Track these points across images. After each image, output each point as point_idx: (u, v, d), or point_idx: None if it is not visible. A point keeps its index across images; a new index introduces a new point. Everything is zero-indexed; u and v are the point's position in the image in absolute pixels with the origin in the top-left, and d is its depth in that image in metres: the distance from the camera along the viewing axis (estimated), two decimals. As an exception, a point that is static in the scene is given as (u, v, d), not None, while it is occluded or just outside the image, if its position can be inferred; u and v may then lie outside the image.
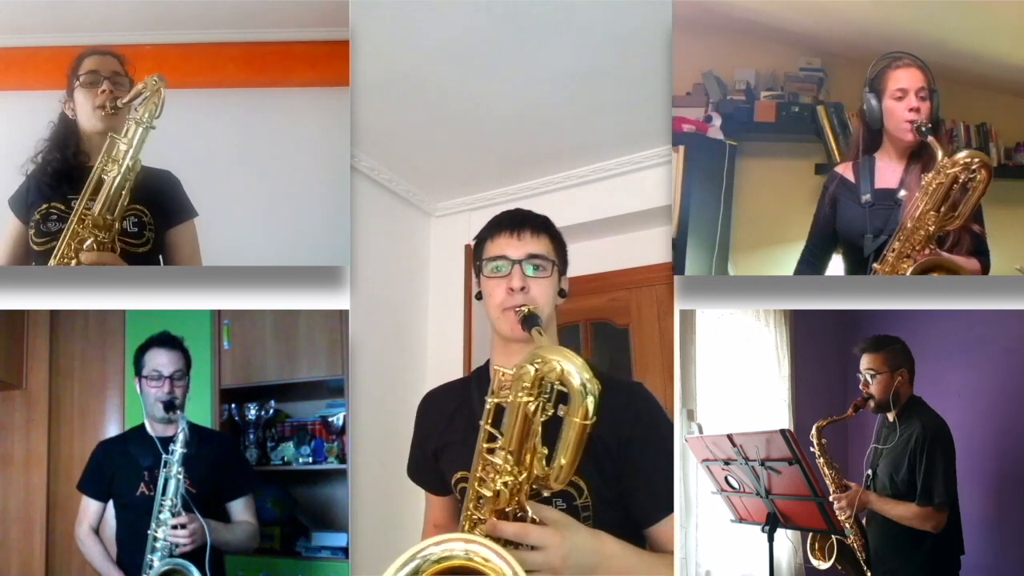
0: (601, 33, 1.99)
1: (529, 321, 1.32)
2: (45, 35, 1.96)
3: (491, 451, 1.23)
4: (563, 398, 1.17)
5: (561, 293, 1.45)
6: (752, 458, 1.78)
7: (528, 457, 1.19)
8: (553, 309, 1.43)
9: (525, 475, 1.19)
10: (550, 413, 1.17)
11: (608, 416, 1.17)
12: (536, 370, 1.16)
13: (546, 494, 1.25)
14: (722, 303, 2.00)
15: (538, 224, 1.44)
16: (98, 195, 1.76)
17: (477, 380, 1.52)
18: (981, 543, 1.86)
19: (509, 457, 1.19)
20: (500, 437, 1.22)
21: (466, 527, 1.25)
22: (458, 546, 1.07)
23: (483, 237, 1.47)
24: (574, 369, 1.13)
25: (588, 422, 1.11)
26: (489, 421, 1.25)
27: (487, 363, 1.54)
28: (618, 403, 1.28)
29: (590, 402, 1.11)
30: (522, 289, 1.37)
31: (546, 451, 1.18)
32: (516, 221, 1.44)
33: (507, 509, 1.20)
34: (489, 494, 1.21)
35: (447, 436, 1.50)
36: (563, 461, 1.14)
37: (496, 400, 1.25)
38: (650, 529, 1.36)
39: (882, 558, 1.88)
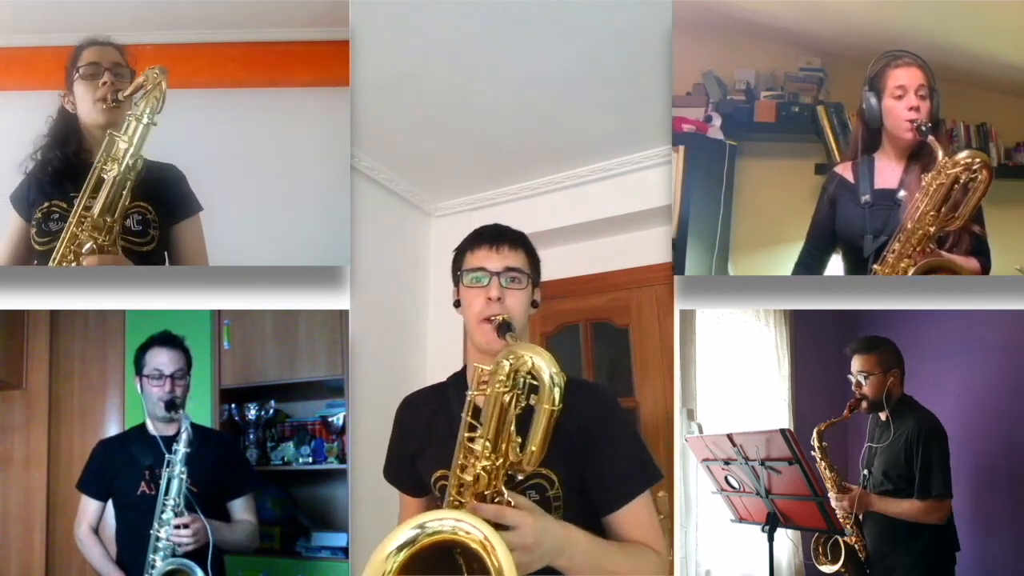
0: (601, 33, 1.99)
1: (503, 328, 1.42)
2: (45, 35, 1.96)
3: (471, 439, 1.35)
4: (534, 393, 1.31)
5: (534, 304, 1.55)
6: (752, 458, 1.79)
7: (504, 445, 1.32)
8: (527, 319, 1.53)
9: (501, 460, 1.32)
10: (523, 404, 1.31)
11: (572, 412, 1.31)
12: (510, 364, 1.31)
13: (520, 477, 1.37)
14: (722, 303, 2.00)
15: (515, 239, 1.54)
16: (97, 196, 1.71)
17: (455, 385, 1.59)
18: (979, 540, 1.87)
19: (487, 444, 1.33)
20: (479, 427, 1.35)
21: None
22: (448, 523, 1.21)
23: (463, 249, 1.56)
24: (543, 363, 1.28)
25: (555, 408, 1.26)
26: (469, 413, 1.38)
27: (463, 369, 1.61)
28: (580, 401, 1.39)
29: (556, 391, 1.26)
30: (499, 299, 1.46)
31: (519, 440, 1.31)
32: (495, 235, 1.53)
33: (486, 493, 1.32)
34: (470, 479, 1.33)
35: (426, 438, 1.57)
36: (533, 448, 1.28)
37: (476, 393, 1.37)
38: (608, 517, 1.44)
39: (881, 555, 1.88)
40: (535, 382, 1.29)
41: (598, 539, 1.39)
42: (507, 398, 1.31)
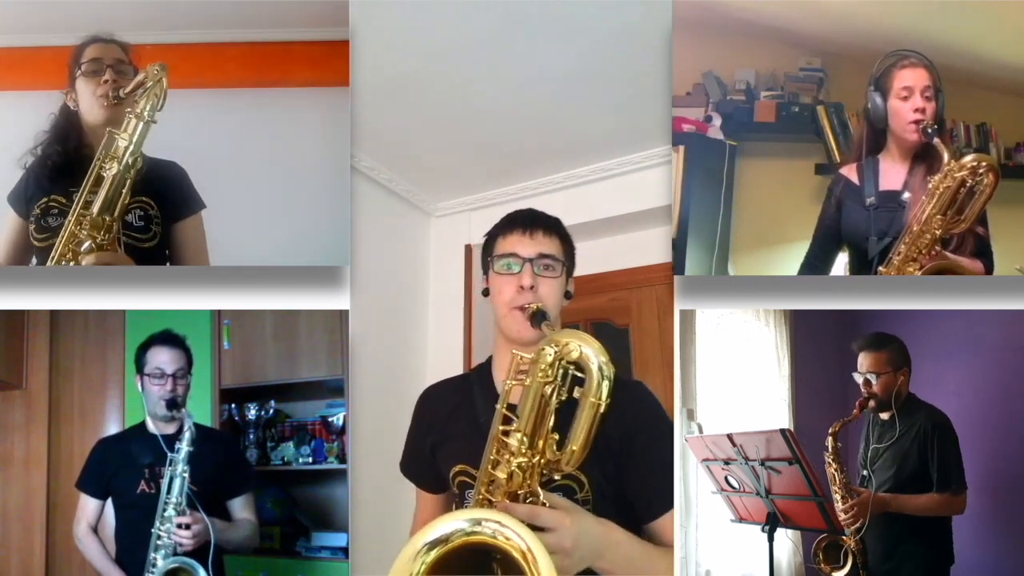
0: (601, 33, 1.99)
1: (538, 317, 1.34)
2: (46, 35, 1.95)
3: (506, 434, 1.25)
4: (576, 386, 1.21)
5: (567, 295, 1.47)
6: (752, 458, 1.78)
7: (541, 441, 1.23)
8: (559, 311, 1.45)
9: (538, 458, 1.23)
10: (564, 397, 1.22)
11: (611, 413, 1.20)
12: (555, 352, 1.21)
13: (557, 477, 1.28)
14: (722, 303, 2.00)
15: (550, 224, 1.47)
16: (96, 194, 1.70)
17: (478, 377, 1.53)
18: (978, 541, 1.87)
19: (524, 440, 1.23)
20: (515, 420, 1.25)
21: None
22: (489, 525, 1.12)
23: (494, 234, 1.48)
24: (592, 352, 1.18)
25: (603, 402, 1.16)
26: (505, 405, 1.28)
27: (488, 360, 1.55)
28: (621, 401, 1.26)
29: (605, 385, 1.17)
30: (531, 288, 1.39)
31: (557, 436, 1.22)
32: (529, 220, 1.45)
33: (519, 492, 1.23)
34: (503, 476, 1.24)
35: (447, 431, 1.51)
36: (574, 447, 1.19)
37: (513, 383, 1.27)
38: (651, 524, 1.39)
39: (883, 557, 1.88)
40: (579, 374, 1.20)
41: (640, 540, 1.33)
42: (548, 389, 1.22)
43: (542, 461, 1.23)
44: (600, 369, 1.17)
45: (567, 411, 1.22)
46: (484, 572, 1.17)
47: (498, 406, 1.29)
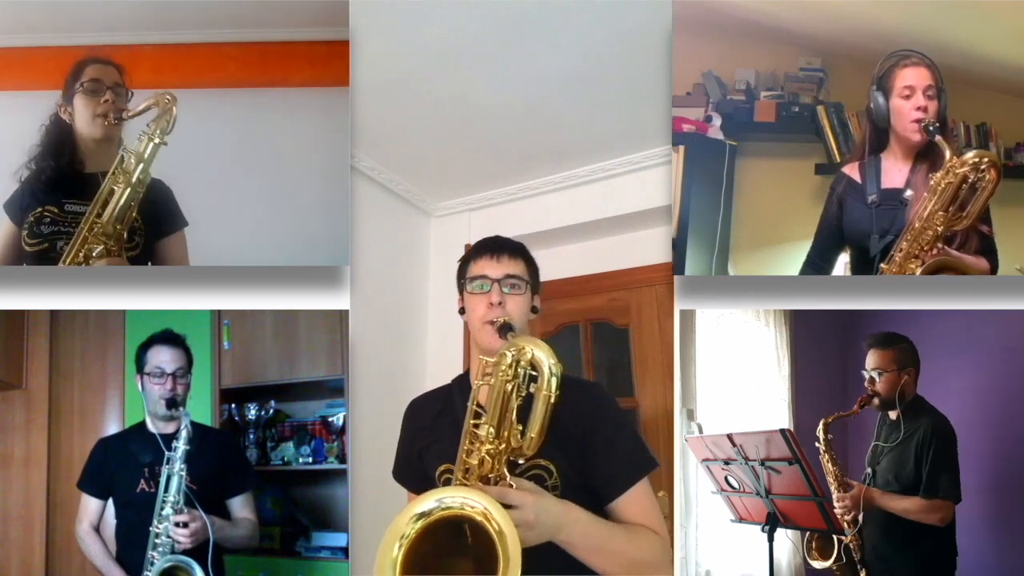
0: (601, 33, 1.99)
1: (505, 329, 1.52)
2: (45, 35, 1.96)
3: (476, 426, 1.45)
4: (533, 382, 1.42)
5: (534, 310, 1.63)
6: (752, 458, 1.79)
7: (506, 432, 1.43)
8: (527, 324, 1.62)
9: (504, 445, 1.43)
10: (524, 393, 1.42)
11: (570, 407, 1.44)
12: (512, 355, 1.41)
13: (521, 462, 1.47)
14: (722, 303, 2.00)
15: (515, 249, 1.63)
16: (108, 206, 1.76)
17: (459, 387, 1.66)
18: (979, 542, 1.87)
19: (491, 430, 1.43)
20: (484, 414, 1.44)
21: None
22: (457, 499, 1.34)
23: (466, 260, 1.65)
24: (543, 354, 1.39)
25: (553, 394, 1.38)
26: (475, 402, 1.47)
27: (466, 372, 1.68)
28: (578, 397, 1.51)
29: (554, 380, 1.38)
30: (500, 304, 1.56)
31: (520, 427, 1.42)
32: (496, 246, 1.62)
33: (490, 476, 1.43)
34: (475, 462, 1.43)
35: (432, 436, 1.64)
36: (532, 434, 1.40)
37: (480, 384, 1.47)
38: (610, 505, 1.52)
39: (881, 556, 1.88)
40: (535, 373, 1.40)
41: (599, 518, 1.47)
42: (509, 387, 1.42)
43: (507, 448, 1.43)
44: (550, 368, 1.38)
45: (527, 409, 1.42)
46: (460, 541, 1.37)
47: (469, 403, 1.48)
